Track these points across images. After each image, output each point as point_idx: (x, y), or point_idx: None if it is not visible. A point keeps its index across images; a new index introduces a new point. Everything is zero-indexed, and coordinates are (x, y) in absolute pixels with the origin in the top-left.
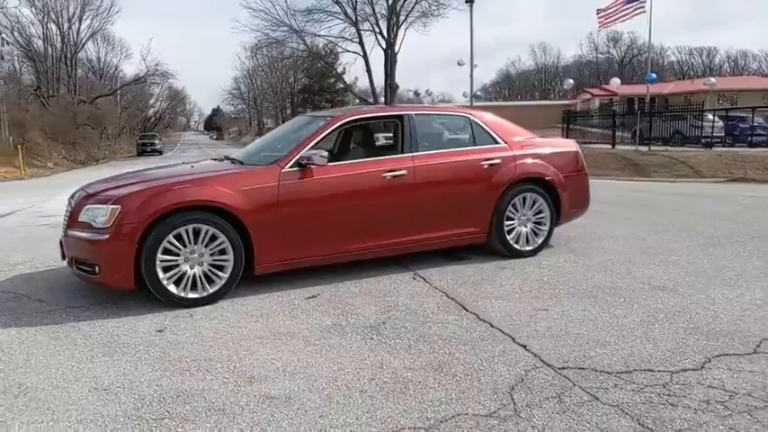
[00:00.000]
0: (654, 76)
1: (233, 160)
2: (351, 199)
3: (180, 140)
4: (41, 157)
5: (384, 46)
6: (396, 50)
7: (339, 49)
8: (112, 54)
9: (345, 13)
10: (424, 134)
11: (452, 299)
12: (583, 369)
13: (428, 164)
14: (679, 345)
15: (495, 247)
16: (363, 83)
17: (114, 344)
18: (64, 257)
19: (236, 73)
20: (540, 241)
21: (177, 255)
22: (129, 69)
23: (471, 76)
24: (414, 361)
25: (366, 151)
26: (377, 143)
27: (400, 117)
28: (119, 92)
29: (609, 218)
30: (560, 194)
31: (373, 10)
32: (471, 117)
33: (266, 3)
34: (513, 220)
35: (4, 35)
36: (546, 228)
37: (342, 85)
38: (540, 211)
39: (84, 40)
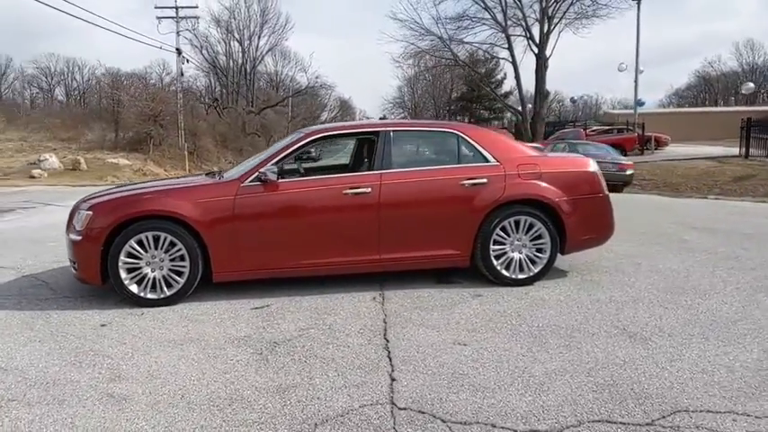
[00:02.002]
0: None
1: (218, 175)
2: (309, 214)
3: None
4: (210, 162)
5: (536, 51)
6: (547, 55)
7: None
8: (288, 67)
9: (495, 19)
10: (400, 151)
11: (385, 323)
12: (423, 413)
13: (396, 182)
14: (564, 402)
15: (481, 272)
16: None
17: (58, 332)
18: None
19: (397, 82)
20: (537, 269)
21: (139, 258)
22: (304, 80)
23: (636, 81)
24: (269, 381)
25: (335, 167)
26: (348, 159)
27: (376, 133)
28: (289, 102)
29: (684, 248)
30: (564, 219)
31: (523, 14)
32: (460, 134)
33: (413, 13)
34: (503, 244)
35: (184, 53)
36: (545, 255)
37: (501, 92)
38: (538, 237)
39: (262, 54)
